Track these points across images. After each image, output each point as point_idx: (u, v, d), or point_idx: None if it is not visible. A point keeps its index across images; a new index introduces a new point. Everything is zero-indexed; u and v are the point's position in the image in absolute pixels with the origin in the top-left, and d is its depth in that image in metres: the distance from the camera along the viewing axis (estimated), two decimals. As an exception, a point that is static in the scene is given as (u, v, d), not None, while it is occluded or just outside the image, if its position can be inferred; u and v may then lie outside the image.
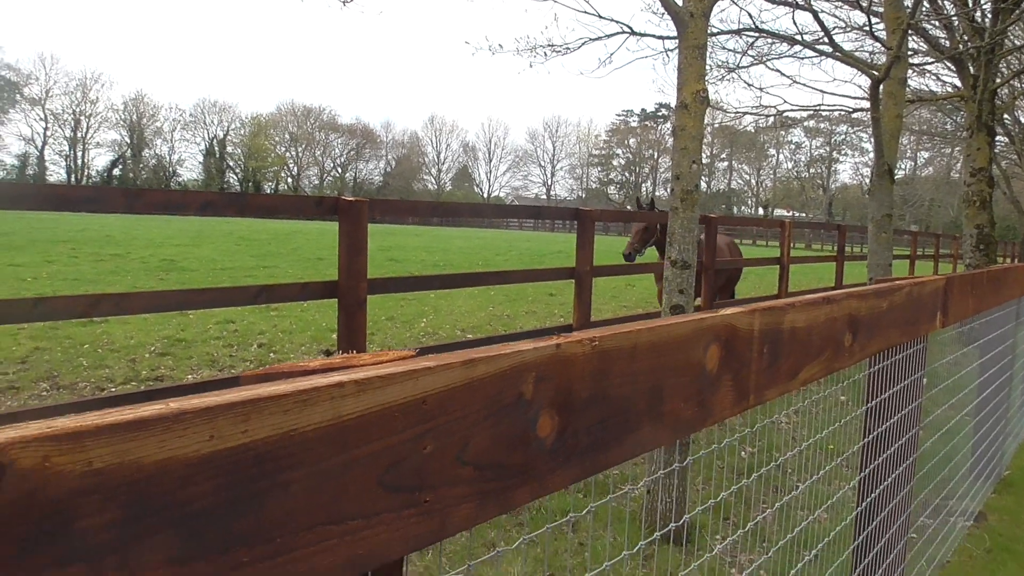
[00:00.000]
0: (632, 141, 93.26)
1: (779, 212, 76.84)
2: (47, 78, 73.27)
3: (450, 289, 5.50)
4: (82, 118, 75.15)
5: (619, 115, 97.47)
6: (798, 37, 7.14)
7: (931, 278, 2.59)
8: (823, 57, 7.91)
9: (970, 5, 9.31)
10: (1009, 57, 11.31)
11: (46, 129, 73.51)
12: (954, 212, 44.14)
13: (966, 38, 9.52)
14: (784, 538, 2.32)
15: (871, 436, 2.74)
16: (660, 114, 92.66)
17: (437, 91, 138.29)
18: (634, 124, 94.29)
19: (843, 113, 11.18)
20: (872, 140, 6.73)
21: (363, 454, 0.69)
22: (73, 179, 71.67)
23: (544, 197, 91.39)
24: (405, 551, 0.75)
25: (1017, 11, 8.55)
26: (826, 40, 6.49)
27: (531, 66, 7.98)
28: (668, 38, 6.98)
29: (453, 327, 10.81)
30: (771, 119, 12.45)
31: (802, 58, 8.29)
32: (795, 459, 5.79)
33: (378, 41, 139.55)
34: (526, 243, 37.87)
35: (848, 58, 6.53)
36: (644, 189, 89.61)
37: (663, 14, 7.65)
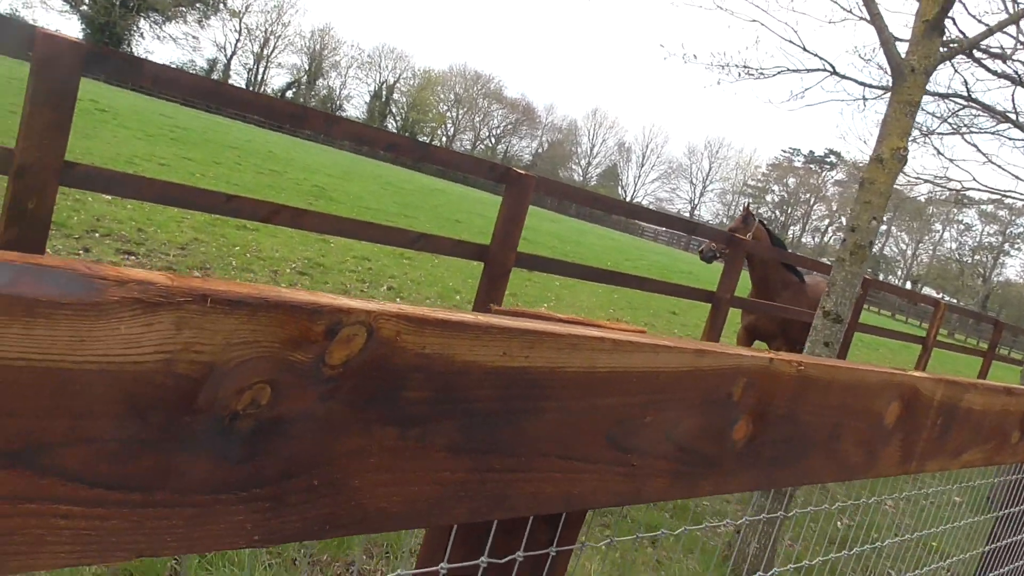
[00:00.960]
0: (791, 181, 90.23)
1: (927, 291, 72.59)
2: (249, -7, 77.89)
3: (587, 281, 5.54)
4: (271, 37, 79.50)
5: (784, 151, 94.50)
6: (1012, 116, 6.72)
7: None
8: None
9: None
10: None
11: (238, 41, 78.20)
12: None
13: None
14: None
15: (996, 545, 2.64)
16: (828, 160, 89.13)
17: (606, 85, 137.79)
18: (797, 164, 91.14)
19: (1033, 205, 10.38)
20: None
21: (601, 405, 0.76)
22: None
23: (687, 215, 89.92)
24: (605, 503, 0.82)
25: None
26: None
27: (719, 83, 7.87)
28: (870, 86, 6.73)
29: (572, 319, 10.89)
30: (949, 193, 11.77)
31: (1010, 138, 7.79)
32: (895, 546, 5.54)
33: (563, 23, 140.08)
34: (656, 255, 37.45)
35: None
36: (791, 232, 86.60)
37: (869, 60, 7.39)
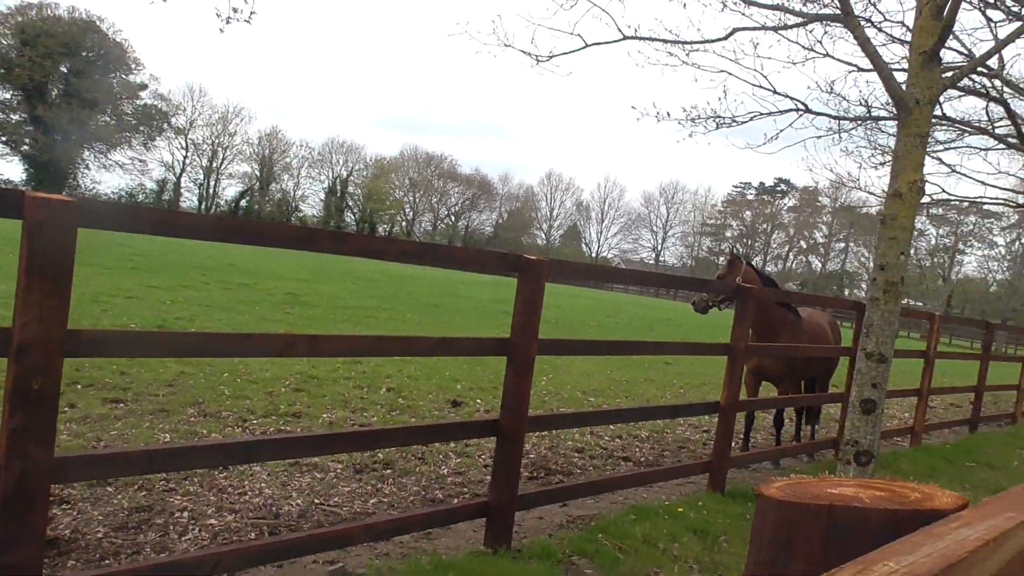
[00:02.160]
0: (747, 214, 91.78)
1: (896, 298, 73.25)
2: (193, 109, 78.31)
3: (613, 356, 5.49)
4: (219, 149, 79.63)
5: (736, 187, 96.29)
6: (987, 127, 6.81)
7: None
8: (1003, 149, 7.52)
9: None
10: None
11: (186, 157, 78.26)
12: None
13: None
14: None
15: None
16: (779, 189, 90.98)
17: (556, 147, 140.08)
18: (750, 197, 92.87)
19: (1008, 205, 10.43)
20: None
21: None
22: (204, 207, 75.83)
23: (652, 262, 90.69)
24: None
25: None
26: (1015, 134, 6.16)
27: (691, 135, 7.91)
28: (844, 118, 6.78)
29: (574, 388, 10.67)
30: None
31: (977, 148, 7.90)
32: None
33: (505, 94, 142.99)
34: (634, 307, 37.47)
35: (1038, 151, 6.18)
36: (756, 262, 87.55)
37: (831, 92, 7.45)
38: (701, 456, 7.50)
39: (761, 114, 6.57)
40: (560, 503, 5.42)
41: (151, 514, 4.38)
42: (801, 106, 6.26)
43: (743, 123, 6.83)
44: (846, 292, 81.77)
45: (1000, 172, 12.45)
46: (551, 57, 6.44)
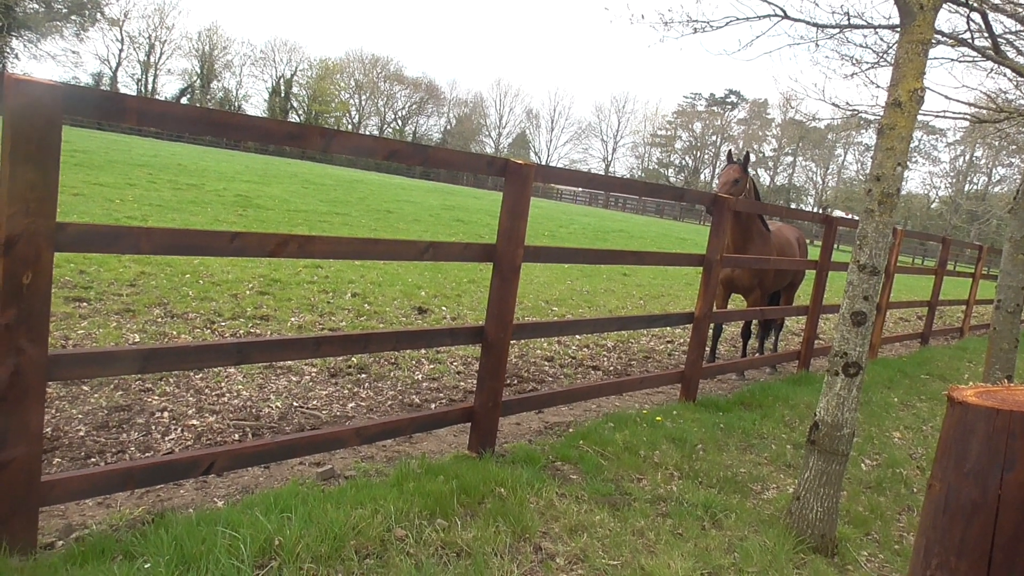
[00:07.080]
0: (697, 125, 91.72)
1: (838, 213, 75.04)
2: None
3: (592, 264, 5.56)
4: (157, 43, 75.96)
5: (686, 97, 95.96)
6: (966, 38, 6.77)
7: None
8: (969, 62, 7.55)
9: None
10: None
11: (121, 51, 74.53)
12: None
13: None
14: None
15: None
16: (729, 100, 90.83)
17: (506, 53, 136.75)
18: (700, 108, 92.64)
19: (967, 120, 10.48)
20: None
21: None
22: (142, 104, 72.56)
23: (602, 171, 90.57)
24: None
25: None
26: (991, 46, 6.15)
27: (662, 40, 7.75)
28: (823, 26, 6.68)
29: (536, 298, 10.71)
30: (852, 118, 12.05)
31: (938, 58, 7.91)
32: (919, 478, 5.58)
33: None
34: (584, 217, 37.53)
35: (1013, 65, 6.20)
36: (703, 175, 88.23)
37: (816, 4, 7.33)
38: (669, 366, 7.65)
39: (738, 19, 6.43)
40: (536, 410, 5.49)
41: (131, 414, 4.31)
42: (780, 12, 6.13)
43: (718, 28, 6.68)
44: (793, 205, 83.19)
45: (962, 86, 12.54)
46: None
